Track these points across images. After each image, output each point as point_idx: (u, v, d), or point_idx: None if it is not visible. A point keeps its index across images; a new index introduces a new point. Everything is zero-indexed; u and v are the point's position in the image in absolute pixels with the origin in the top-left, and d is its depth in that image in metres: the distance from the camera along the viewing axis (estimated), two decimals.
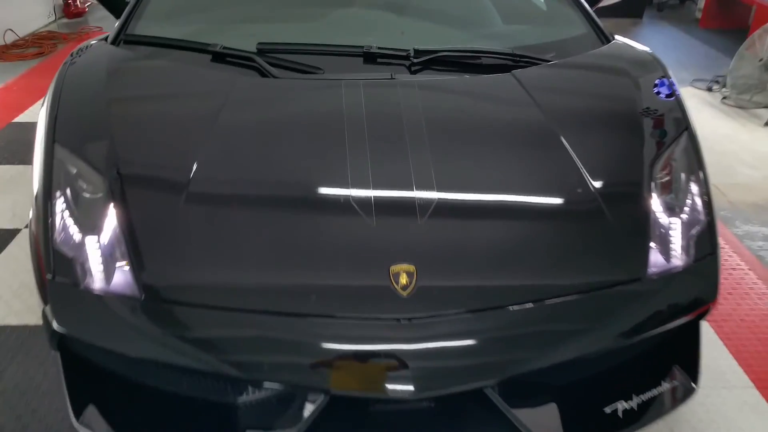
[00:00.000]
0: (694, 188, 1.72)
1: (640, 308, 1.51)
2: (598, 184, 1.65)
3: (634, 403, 1.55)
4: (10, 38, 5.40)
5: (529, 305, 1.45)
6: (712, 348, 2.17)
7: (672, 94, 1.97)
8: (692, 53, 5.77)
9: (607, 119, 1.91)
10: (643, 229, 1.61)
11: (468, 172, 1.68)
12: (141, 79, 2.01)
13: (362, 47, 2.02)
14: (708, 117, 4.27)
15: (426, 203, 1.57)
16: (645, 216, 1.63)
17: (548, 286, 1.48)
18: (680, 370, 1.63)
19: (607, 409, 1.53)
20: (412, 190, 1.59)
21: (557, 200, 1.65)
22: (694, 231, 1.65)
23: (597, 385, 1.57)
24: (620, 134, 1.85)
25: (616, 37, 2.34)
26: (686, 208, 1.68)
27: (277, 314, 1.41)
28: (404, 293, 1.43)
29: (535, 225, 1.60)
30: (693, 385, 1.61)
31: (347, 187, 1.59)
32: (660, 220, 1.63)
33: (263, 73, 1.94)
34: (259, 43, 2.03)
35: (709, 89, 4.72)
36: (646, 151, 1.77)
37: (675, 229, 1.64)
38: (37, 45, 5.39)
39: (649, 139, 1.82)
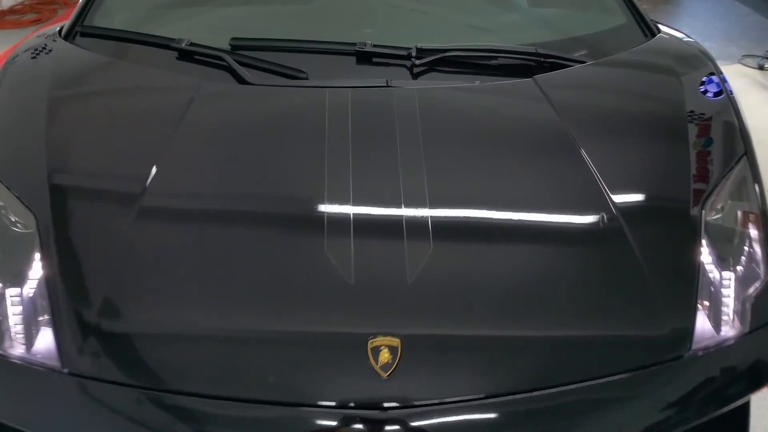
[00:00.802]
0: (753, 232, 1.40)
1: (679, 397, 1.21)
2: (633, 230, 1.33)
3: None
4: (8, 3, 5.13)
5: (542, 393, 1.17)
6: None
7: (729, 106, 1.63)
8: (741, 23, 5.25)
9: (650, 146, 1.57)
10: (687, 287, 1.29)
11: (474, 212, 1.38)
12: (90, 87, 1.72)
13: (355, 44, 1.69)
14: (759, 101, 3.84)
15: (419, 253, 1.27)
16: (691, 270, 1.31)
17: (563, 367, 1.19)
18: None
19: None
20: (402, 237, 1.29)
21: (582, 249, 1.35)
22: (751, 290, 1.33)
23: None
24: (666, 166, 1.52)
25: (662, 28, 1.98)
26: (743, 259, 1.37)
27: (225, 400, 1.15)
28: (384, 374, 1.16)
29: (551, 284, 1.29)
30: None
31: (322, 235, 1.29)
32: (709, 276, 1.32)
33: (237, 76, 1.64)
34: (233, 39, 1.71)
35: (761, 67, 4.26)
36: (695, 185, 1.44)
37: (728, 287, 1.32)
38: (35, 11, 5.11)
39: (700, 169, 1.50)
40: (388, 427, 1.12)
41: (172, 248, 1.33)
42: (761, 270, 1.35)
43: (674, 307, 1.27)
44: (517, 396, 1.16)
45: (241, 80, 1.61)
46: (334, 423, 1.12)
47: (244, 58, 1.67)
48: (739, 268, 1.35)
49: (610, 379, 1.18)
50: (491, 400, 1.15)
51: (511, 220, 1.40)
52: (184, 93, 1.57)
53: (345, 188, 1.36)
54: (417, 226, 1.31)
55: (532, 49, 1.71)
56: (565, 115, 1.54)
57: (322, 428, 1.12)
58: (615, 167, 1.45)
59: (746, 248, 1.38)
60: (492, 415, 1.16)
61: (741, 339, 1.27)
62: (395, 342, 1.18)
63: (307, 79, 1.63)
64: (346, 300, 1.23)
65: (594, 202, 1.38)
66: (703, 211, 1.39)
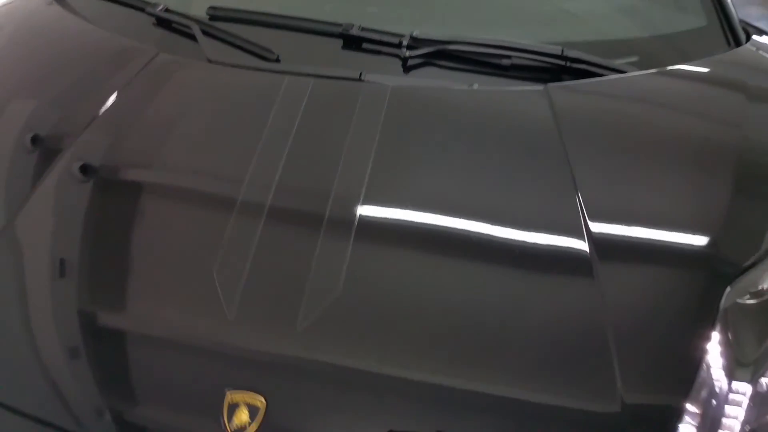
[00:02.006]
0: None
1: None
2: (608, 287, 1.01)
3: None
4: None
5: None
6: None
7: None
8: None
9: (676, 186, 1.19)
10: (668, 381, 0.96)
11: (414, 235, 1.11)
12: (45, 44, 1.56)
13: (341, 26, 1.43)
14: None
15: (320, 294, 1.01)
16: (684, 361, 0.96)
17: None
18: None
19: None
20: (308, 275, 1.03)
21: (538, 292, 1.04)
22: None
23: None
24: (690, 217, 1.14)
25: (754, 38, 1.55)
26: None
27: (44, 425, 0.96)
28: None
29: (487, 329, 0.99)
30: None
31: (217, 245, 1.06)
32: (711, 377, 0.96)
33: (200, 50, 1.42)
34: (211, 8, 1.51)
35: None
36: (724, 249, 1.08)
37: (738, 403, 0.95)
38: None
39: (742, 229, 1.12)
40: None
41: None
42: None
43: (641, 403, 0.93)
44: None
45: (202, 55, 1.41)
46: None
47: (218, 31, 1.46)
48: (764, 381, 0.98)
49: None
50: None
51: (461, 243, 1.09)
52: (135, 62, 1.39)
53: (262, 193, 1.12)
54: (333, 250, 1.05)
55: (557, 50, 1.37)
56: (569, 134, 1.20)
57: None
58: (611, 212, 1.10)
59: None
60: None
61: None
62: (259, 402, 0.94)
63: (277, 61, 1.40)
64: (217, 338, 1.01)
65: (566, 230, 1.06)
66: (729, 289, 1.02)
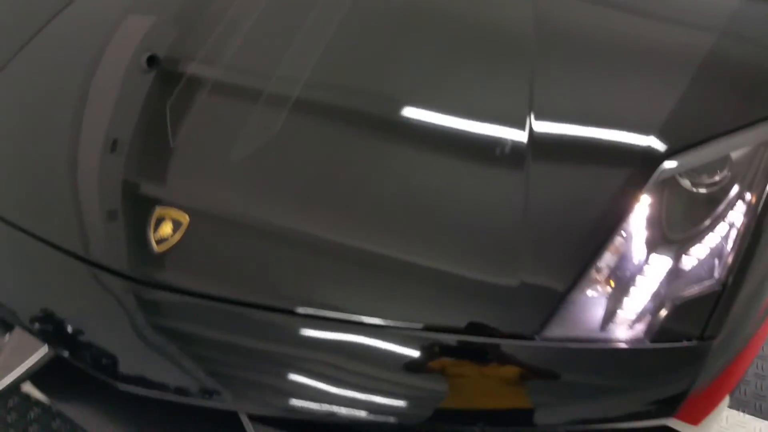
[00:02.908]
0: (733, 219, 0.97)
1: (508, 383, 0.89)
2: (537, 167, 0.99)
3: None
4: None
5: (315, 315, 0.93)
6: None
7: None
8: None
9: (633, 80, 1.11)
10: (575, 255, 0.94)
11: (357, 102, 1.12)
12: None
13: None
14: None
15: (263, 130, 1.07)
16: (594, 236, 0.95)
17: (369, 298, 0.94)
18: None
19: None
20: (251, 110, 1.08)
21: (465, 170, 1.04)
22: (687, 292, 0.93)
23: None
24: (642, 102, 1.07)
25: None
26: (697, 248, 0.95)
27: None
28: (156, 247, 1.00)
29: (408, 200, 1.01)
30: None
31: (173, 89, 1.13)
32: (621, 251, 0.94)
33: None
34: None
35: None
36: (672, 130, 1.02)
37: (646, 275, 0.94)
38: None
39: (701, 111, 1.06)
40: (125, 298, 0.97)
41: None
42: (717, 271, 0.93)
43: (540, 276, 0.93)
44: (295, 314, 0.93)
45: None
46: (80, 274, 1.01)
47: None
48: (684, 257, 0.94)
49: (414, 328, 0.91)
50: (254, 311, 0.94)
51: (399, 120, 1.09)
52: None
53: (220, 51, 1.17)
54: (275, 102, 1.09)
55: None
56: (544, 33, 1.15)
57: (67, 275, 1.02)
58: (558, 107, 1.06)
59: (710, 235, 0.95)
60: (245, 325, 0.95)
61: (632, 350, 0.89)
62: (183, 218, 1.00)
63: None
64: (159, 160, 1.08)
65: (510, 123, 1.04)
66: (664, 165, 0.98)
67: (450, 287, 0.95)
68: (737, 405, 1.47)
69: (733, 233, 0.96)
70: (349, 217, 1.01)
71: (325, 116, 1.10)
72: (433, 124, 1.08)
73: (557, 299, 0.91)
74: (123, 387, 0.94)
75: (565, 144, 1.04)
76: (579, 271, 0.92)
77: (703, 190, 0.98)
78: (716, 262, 0.94)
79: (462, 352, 0.90)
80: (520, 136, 1.02)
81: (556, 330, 0.90)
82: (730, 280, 0.93)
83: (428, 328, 0.91)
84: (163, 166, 1.06)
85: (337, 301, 0.94)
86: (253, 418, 0.95)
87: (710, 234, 0.96)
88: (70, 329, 1.00)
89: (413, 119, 1.08)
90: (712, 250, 0.95)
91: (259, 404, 0.93)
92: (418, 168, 1.04)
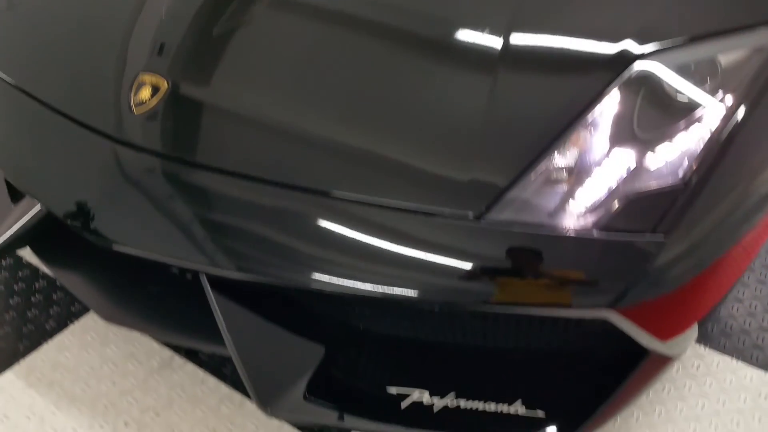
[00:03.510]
0: (709, 117, 0.93)
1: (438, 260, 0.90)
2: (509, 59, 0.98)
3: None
4: None
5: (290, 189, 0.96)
6: None
7: None
8: None
9: None
10: (529, 141, 0.93)
11: None
12: None
13: None
14: None
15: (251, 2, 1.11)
16: (555, 123, 0.94)
17: (325, 170, 0.97)
18: None
19: None
20: None
21: (437, 61, 1.04)
22: (646, 185, 0.91)
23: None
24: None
25: None
26: (665, 145, 0.92)
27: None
28: (135, 109, 1.05)
29: (377, 84, 1.03)
30: None
31: None
32: (583, 139, 0.93)
33: None
34: None
35: None
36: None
37: (608, 164, 0.92)
38: None
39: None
40: (104, 157, 1.03)
41: None
42: (681, 171, 0.90)
43: (494, 163, 0.93)
44: (259, 183, 0.97)
45: None
46: (66, 131, 1.08)
47: None
48: (649, 154, 0.91)
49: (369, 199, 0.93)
50: (222, 177, 0.98)
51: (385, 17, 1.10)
52: None
53: None
54: None
55: None
56: None
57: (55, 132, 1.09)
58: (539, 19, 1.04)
59: (681, 135, 0.92)
60: (216, 191, 0.99)
61: (577, 238, 0.88)
62: (163, 84, 1.05)
63: None
64: (147, 27, 1.13)
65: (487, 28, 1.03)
66: (639, 61, 0.94)
67: (407, 168, 0.96)
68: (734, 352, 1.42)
69: (707, 136, 0.92)
70: (317, 97, 1.03)
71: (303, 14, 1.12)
72: (414, 22, 1.09)
73: (508, 186, 0.91)
74: (91, 237, 1.01)
75: (539, 47, 1.03)
76: (531, 160, 0.91)
77: (683, 91, 0.94)
78: (684, 162, 0.91)
79: (404, 224, 0.91)
80: (495, 42, 1.01)
81: (503, 214, 0.90)
82: (694, 179, 0.90)
83: (378, 204, 0.93)
84: (148, 34, 1.11)
85: (287, 171, 0.97)
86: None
87: (682, 134, 0.93)
88: (56, 184, 1.07)
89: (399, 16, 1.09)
90: (681, 151, 0.92)
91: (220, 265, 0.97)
92: (393, 62, 1.05)
